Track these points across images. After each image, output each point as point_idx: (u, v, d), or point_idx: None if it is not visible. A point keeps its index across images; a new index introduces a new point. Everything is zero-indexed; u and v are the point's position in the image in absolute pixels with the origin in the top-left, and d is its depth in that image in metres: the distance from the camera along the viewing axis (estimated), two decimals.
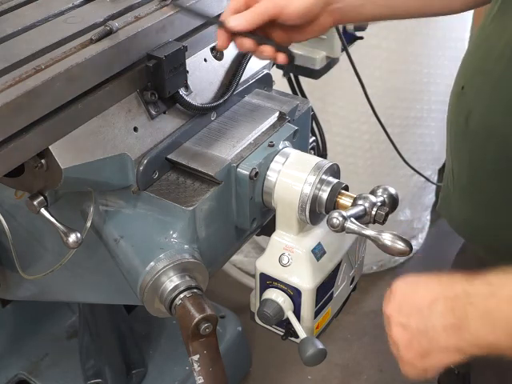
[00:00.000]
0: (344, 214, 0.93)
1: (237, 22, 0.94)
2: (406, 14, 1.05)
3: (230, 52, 1.18)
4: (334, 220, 0.94)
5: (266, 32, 0.99)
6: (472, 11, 2.20)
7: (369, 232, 0.93)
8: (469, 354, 0.75)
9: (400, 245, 0.87)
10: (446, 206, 1.11)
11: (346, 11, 1.00)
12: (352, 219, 0.94)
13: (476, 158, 0.91)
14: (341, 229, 0.94)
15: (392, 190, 1.04)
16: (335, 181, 1.07)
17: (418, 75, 2.12)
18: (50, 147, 0.89)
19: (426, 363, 0.79)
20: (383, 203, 1.01)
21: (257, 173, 1.07)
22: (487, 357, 0.94)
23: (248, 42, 0.96)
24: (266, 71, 1.27)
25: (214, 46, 1.15)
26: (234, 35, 0.97)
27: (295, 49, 1.52)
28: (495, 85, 0.85)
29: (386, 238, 0.88)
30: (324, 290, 1.12)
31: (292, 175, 1.08)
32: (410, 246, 0.88)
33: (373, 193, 1.04)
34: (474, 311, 0.72)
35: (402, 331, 0.80)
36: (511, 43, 0.84)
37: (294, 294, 1.09)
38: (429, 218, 2.71)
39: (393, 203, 1.03)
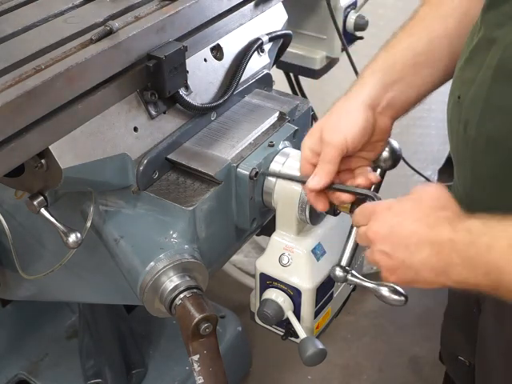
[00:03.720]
0: (346, 268, 0.97)
1: (315, 182, 0.95)
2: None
3: (230, 52, 1.19)
4: (337, 273, 0.97)
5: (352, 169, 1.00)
6: None
7: (368, 284, 0.97)
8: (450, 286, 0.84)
9: (395, 296, 0.93)
10: None
11: (395, 102, 0.99)
12: (353, 272, 0.97)
13: (478, 164, 0.93)
14: (343, 281, 0.98)
15: (395, 144, 1.04)
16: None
17: None
18: (50, 147, 0.89)
19: (408, 285, 0.88)
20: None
21: (257, 173, 1.07)
22: (494, 347, 0.96)
23: (343, 196, 0.97)
24: (266, 71, 1.27)
25: (214, 46, 1.15)
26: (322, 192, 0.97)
27: (295, 49, 1.53)
28: (487, 95, 0.87)
29: (384, 290, 0.94)
30: (324, 290, 1.12)
31: (292, 175, 1.08)
32: (406, 297, 0.93)
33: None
34: (456, 257, 0.79)
35: (386, 258, 0.86)
36: (498, 54, 0.86)
37: (294, 294, 1.09)
38: None
39: (394, 158, 1.03)
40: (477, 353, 1.17)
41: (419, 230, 0.83)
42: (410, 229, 0.84)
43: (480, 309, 1.14)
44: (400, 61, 0.99)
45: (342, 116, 0.95)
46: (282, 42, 1.32)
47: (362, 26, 1.53)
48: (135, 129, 1.01)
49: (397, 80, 0.98)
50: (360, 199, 0.96)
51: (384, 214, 0.88)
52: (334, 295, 1.17)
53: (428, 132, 2.31)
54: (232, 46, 1.19)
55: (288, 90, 1.73)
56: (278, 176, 1.09)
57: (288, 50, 1.38)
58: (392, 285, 0.95)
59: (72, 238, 0.98)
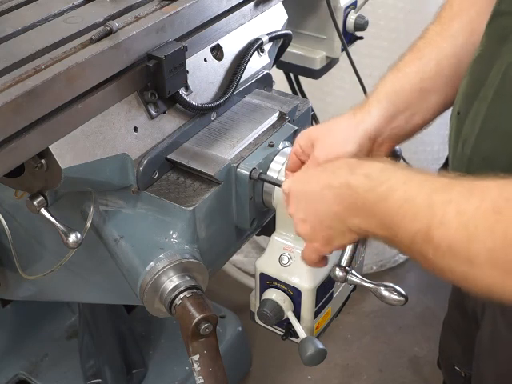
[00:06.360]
0: (346, 268, 0.98)
1: None
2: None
3: (230, 52, 1.19)
4: (337, 273, 0.97)
5: None
6: None
7: (368, 284, 0.97)
8: (363, 235, 0.82)
9: (395, 296, 0.94)
10: None
11: (398, 132, 0.98)
12: (353, 272, 0.97)
13: None
14: (343, 281, 0.98)
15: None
16: None
17: None
18: (49, 147, 0.89)
19: (333, 247, 0.89)
20: None
21: (260, 174, 1.07)
22: (490, 367, 0.96)
23: None
24: (266, 71, 1.27)
25: (214, 46, 1.15)
26: None
27: (295, 49, 1.53)
28: (485, 114, 0.85)
29: (384, 290, 0.95)
30: (324, 290, 1.12)
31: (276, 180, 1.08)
32: (406, 297, 0.93)
33: None
34: (354, 202, 0.78)
35: (303, 225, 0.88)
36: (501, 72, 0.82)
37: (294, 294, 1.09)
38: None
39: (394, 158, 1.04)
40: (473, 369, 1.17)
41: (320, 178, 0.85)
42: (313, 182, 0.85)
43: (478, 326, 1.13)
44: (407, 86, 0.97)
45: (339, 138, 0.95)
46: (282, 41, 1.32)
47: (361, 25, 1.53)
48: (135, 129, 1.01)
49: (402, 109, 0.97)
50: None
51: (292, 187, 0.91)
52: (334, 295, 1.17)
53: (428, 132, 2.30)
54: (232, 45, 1.19)
55: (288, 90, 1.73)
56: (265, 180, 1.08)
57: (288, 50, 1.38)
58: (392, 285, 0.95)
59: (72, 238, 0.97)
